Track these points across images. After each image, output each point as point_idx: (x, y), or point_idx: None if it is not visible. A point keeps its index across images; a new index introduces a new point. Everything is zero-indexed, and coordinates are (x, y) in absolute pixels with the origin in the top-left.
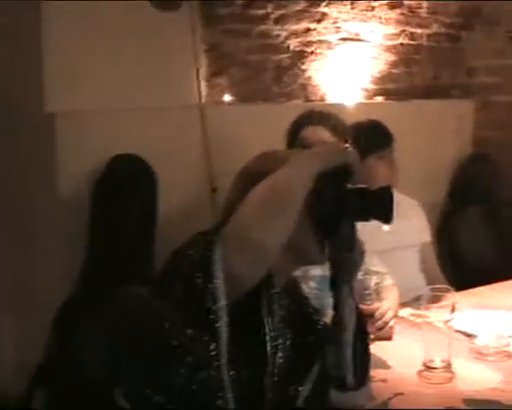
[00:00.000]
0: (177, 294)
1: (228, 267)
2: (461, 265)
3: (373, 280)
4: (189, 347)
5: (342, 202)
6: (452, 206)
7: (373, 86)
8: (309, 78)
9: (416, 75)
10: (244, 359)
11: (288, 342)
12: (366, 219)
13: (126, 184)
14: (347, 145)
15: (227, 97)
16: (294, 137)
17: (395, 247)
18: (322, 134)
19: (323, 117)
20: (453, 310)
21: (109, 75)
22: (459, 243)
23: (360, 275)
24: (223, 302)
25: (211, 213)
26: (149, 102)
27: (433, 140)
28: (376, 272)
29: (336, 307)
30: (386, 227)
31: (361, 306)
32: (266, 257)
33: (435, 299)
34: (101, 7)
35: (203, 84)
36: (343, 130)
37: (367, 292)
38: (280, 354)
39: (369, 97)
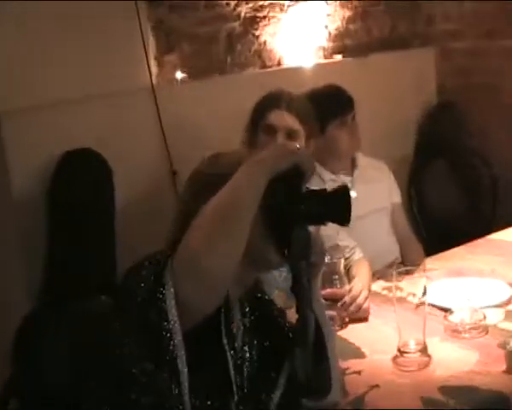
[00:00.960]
0: (133, 328)
1: (181, 298)
2: (430, 219)
3: (342, 258)
4: (150, 377)
5: (295, 206)
6: (420, 159)
7: (330, 44)
8: (263, 43)
9: (374, 28)
10: (209, 385)
11: (254, 352)
12: (322, 223)
13: (80, 179)
14: (297, 145)
15: (179, 74)
16: (259, 120)
17: (365, 213)
18: (289, 119)
19: (290, 101)
20: (425, 292)
21: (54, 66)
22: (427, 197)
23: (328, 259)
24: (179, 338)
25: (173, 196)
26: (98, 90)
27: (396, 93)
28: (345, 247)
29: (298, 310)
30: (353, 193)
31: (331, 290)
32: (219, 285)
33: (408, 273)
34: None
35: (153, 63)
36: (308, 114)
37: (336, 277)
38: (247, 367)
39: (327, 56)
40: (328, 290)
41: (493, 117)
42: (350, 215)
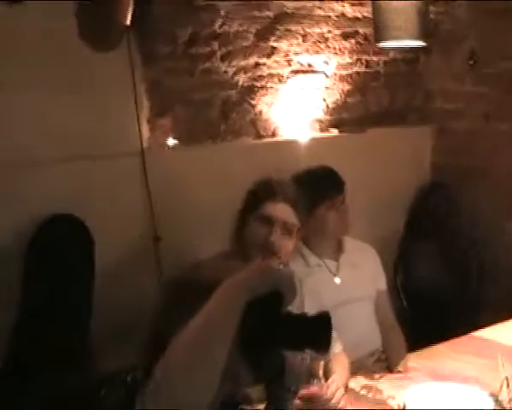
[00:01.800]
0: None
1: None
2: (416, 299)
3: (321, 359)
4: None
5: (272, 330)
6: (409, 237)
7: (328, 117)
8: (259, 113)
9: (372, 102)
10: None
11: None
12: (299, 349)
13: (60, 248)
14: (280, 266)
15: (171, 140)
16: (253, 209)
17: (349, 299)
18: (286, 211)
19: (284, 191)
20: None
21: (42, 122)
22: (414, 276)
23: (307, 357)
24: None
25: (155, 264)
26: (88, 150)
27: (390, 168)
28: None
29: None
30: (337, 279)
31: (308, 390)
32: None
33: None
34: (31, 48)
35: (145, 126)
36: (302, 204)
37: (314, 379)
38: None
39: (324, 129)
40: (305, 391)
41: (484, 200)
42: (330, 344)
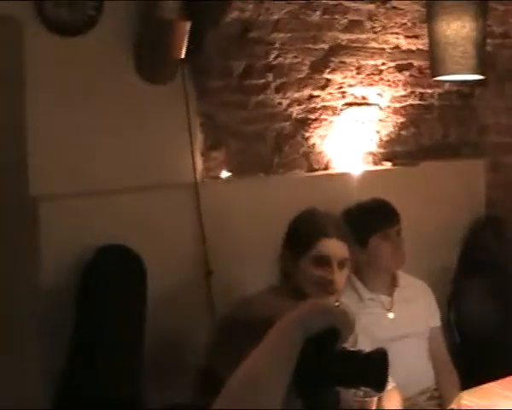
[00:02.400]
0: None
1: None
2: (469, 337)
3: (375, 396)
4: None
5: (327, 367)
6: (463, 273)
7: (381, 150)
8: (312, 146)
9: (426, 135)
10: None
11: None
12: (355, 386)
13: (113, 278)
14: (337, 303)
15: (225, 172)
16: (306, 249)
17: (402, 335)
18: (341, 248)
19: (341, 229)
20: None
21: (97, 154)
22: (468, 314)
23: (361, 395)
24: None
25: (206, 297)
26: (143, 181)
27: (443, 202)
28: None
29: None
30: (391, 315)
31: None
32: None
33: None
34: (88, 81)
35: (199, 158)
36: (352, 236)
37: None
38: None
39: (377, 162)
40: None
41: None
42: (386, 382)
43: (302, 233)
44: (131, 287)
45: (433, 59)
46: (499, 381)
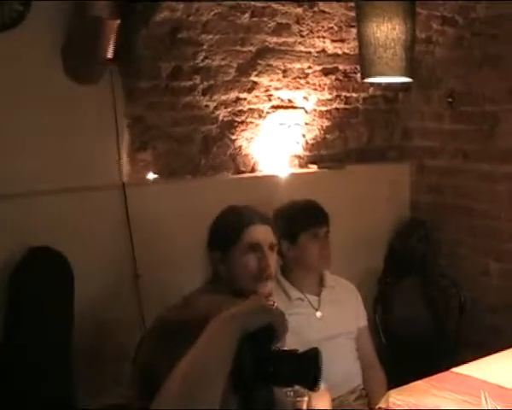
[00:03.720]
0: None
1: None
2: (396, 337)
3: (306, 397)
4: None
5: (263, 365)
6: (388, 274)
7: (307, 153)
8: (239, 148)
9: (351, 139)
10: None
11: None
12: (289, 385)
13: (40, 279)
14: (273, 303)
15: (151, 174)
16: (236, 237)
17: (329, 335)
18: (269, 233)
19: (263, 215)
20: None
21: (23, 154)
22: (394, 314)
23: (291, 395)
24: None
25: (134, 300)
26: (69, 182)
27: (369, 205)
28: None
29: None
30: (319, 314)
31: None
32: None
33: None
34: (14, 79)
35: (126, 160)
36: (273, 223)
37: None
38: None
39: (303, 165)
40: None
41: (463, 238)
42: (320, 380)
43: (228, 227)
44: (58, 288)
45: (363, 61)
46: (426, 379)
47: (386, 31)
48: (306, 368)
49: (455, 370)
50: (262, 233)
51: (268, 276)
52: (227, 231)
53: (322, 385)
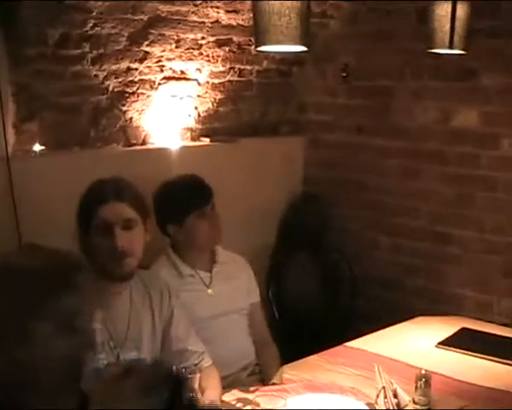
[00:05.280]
0: None
1: None
2: (289, 312)
3: (197, 374)
4: None
5: None
6: (281, 249)
7: (199, 126)
8: (130, 120)
9: (245, 112)
10: None
11: None
12: None
13: None
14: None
15: (38, 146)
16: (88, 220)
17: (222, 312)
18: (123, 210)
19: (119, 191)
20: None
21: None
22: (287, 289)
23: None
24: None
25: None
26: None
27: (262, 180)
28: (193, 352)
29: None
30: (210, 291)
31: None
32: None
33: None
34: None
35: (11, 131)
36: (142, 201)
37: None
38: None
39: (195, 138)
40: None
41: (356, 213)
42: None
43: (83, 207)
44: None
45: (257, 29)
46: (320, 353)
47: None
48: None
49: (348, 344)
50: (113, 212)
51: (121, 256)
52: (83, 211)
53: (208, 362)
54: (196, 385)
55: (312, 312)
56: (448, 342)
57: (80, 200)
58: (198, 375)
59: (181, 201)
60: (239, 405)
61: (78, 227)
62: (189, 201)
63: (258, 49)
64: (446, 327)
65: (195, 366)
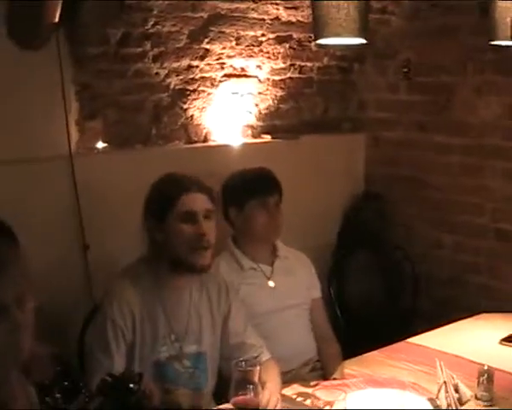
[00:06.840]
0: None
1: None
2: (350, 310)
3: (258, 366)
4: None
5: None
6: (343, 248)
7: (260, 123)
8: (191, 117)
9: (305, 110)
10: None
11: None
12: None
13: None
14: None
15: (100, 143)
16: (171, 206)
17: (283, 307)
18: (205, 200)
19: (199, 182)
20: None
21: None
22: (348, 288)
23: (242, 366)
24: None
25: (83, 271)
26: (15, 153)
27: (323, 177)
28: (251, 346)
29: None
30: (271, 283)
31: (243, 398)
32: None
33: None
34: None
35: (74, 129)
36: (215, 196)
37: (250, 386)
38: None
39: (256, 135)
40: (240, 398)
41: (418, 211)
42: None
43: (163, 194)
44: (5, 260)
45: (316, 22)
46: (381, 349)
47: None
48: None
49: (410, 340)
50: (197, 201)
51: (205, 245)
52: (161, 199)
53: (267, 356)
54: (256, 378)
55: (374, 310)
56: None
57: (154, 190)
58: (258, 368)
59: (245, 185)
60: (299, 399)
61: (149, 218)
62: (253, 186)
63: (318, 42)
64: (510, 324)
65: (255, 359)
